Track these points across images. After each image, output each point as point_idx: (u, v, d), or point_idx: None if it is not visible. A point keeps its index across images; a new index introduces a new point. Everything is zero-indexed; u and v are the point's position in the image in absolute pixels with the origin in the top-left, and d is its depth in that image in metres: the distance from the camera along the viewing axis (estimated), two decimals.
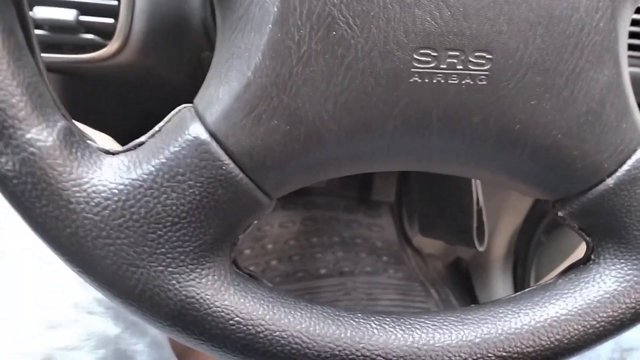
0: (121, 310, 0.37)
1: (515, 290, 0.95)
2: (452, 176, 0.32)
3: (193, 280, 0.25)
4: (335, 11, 0.23)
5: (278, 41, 0.23)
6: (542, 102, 0.25)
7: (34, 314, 0.35)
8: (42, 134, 0.22)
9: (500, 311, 0.28)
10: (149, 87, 0.51)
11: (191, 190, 0.24)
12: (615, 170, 0.27)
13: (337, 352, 0.26)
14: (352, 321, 0.27)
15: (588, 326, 0.28)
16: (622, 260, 0.28)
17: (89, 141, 0.25)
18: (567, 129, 0.26)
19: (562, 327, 0.27)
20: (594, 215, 0.28)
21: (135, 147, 0.25)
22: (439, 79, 0.24)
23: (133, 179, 0.24)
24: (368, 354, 0.26)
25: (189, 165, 0.24)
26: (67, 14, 0.40)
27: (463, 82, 0.25)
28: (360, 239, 0.97)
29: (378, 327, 0.27)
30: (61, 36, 0.42)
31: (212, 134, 0.24)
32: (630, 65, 0.42)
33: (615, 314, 0.28)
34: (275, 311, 0.26)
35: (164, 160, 0.24)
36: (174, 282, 0.25)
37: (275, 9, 0.23)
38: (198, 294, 0.25)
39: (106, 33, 0.42)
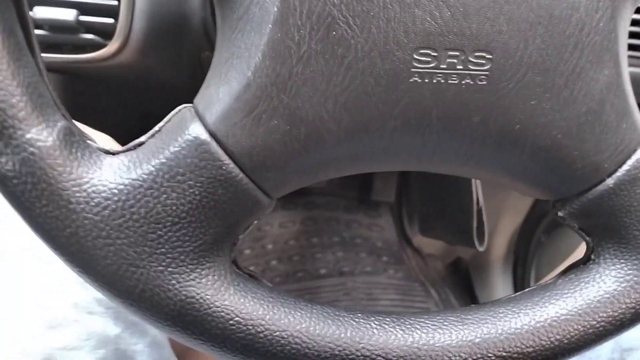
0: (121, 310, 0.37)
1: (515, 291, 0.95)
2: (452, 176, 0.32)
3: (193, 280, 0.25)
4: (335, 11, 0.23)
5: (278, 41, 0.23)
6: (542, 102, 0.25)
7: (34, 314, 0.35)
8: (42, 134, 0.22)
9: (500, 311, 0.28)
10: (148, 87, 0.51)
11: (191, 190, 0.24)
12: (615, 170, 0.27)
13: (337, 352, 0.26)
14: (352, 321, 0.27)
15: (588, 326, 0.28)
16: (622, 260, 0.28)
17: (89, 141, 0.25)
18: (567, 129, 0.26)
19: (562, 327, 0.27)
20: (594, 215, 0.28)
21: (135, 147, 0.25)
22: (439, 79, 0.24)
23: (133, 179, 0.24)
24: (368, 354, 0.26)
25: (189, 165, 0.24)
26: (67, 14, 0.40)
27: (463, 82, 0.25)
28: (360, 239, 0.97)
29: (378, 327, 0.27)
30: (61, 36, 0.42)
31: (212, 134, 0.24)
32: (630, 65, 0.42)
33: (615, 314, 0.28)
34: (275, 311, 0.26)
35: (164, 160, 0.24)
36: (174, 282, 0.25)
37: (275, 9, 0.23)
38: (198, 294, 0.25)
39: (106, 33, 0.42)
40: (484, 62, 0.24)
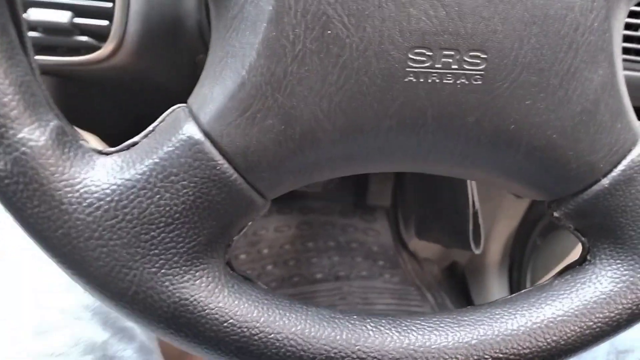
0: (109, 315, 0.37)
1: (511, 294, 0.95)
2: (447, 178, 0.32)
3: (187, 281, 0.25)
4: (330, 10, 0.23)
5: (273, 40, 0.23)
6: (537, 102, 0.25)
7: (21, 319, 0.34)
8: (34, 134, 0.22)
9: (497, 312, 0.28)
10: (143, 89, 0.50)
11: (185, 191, 0.24)
12: (610, 171, 0.27)
13: (332, 355, 0.26)
14: (347, 323, 0.27)
15: (584, 327, 0.27)
16: (617, 261, 0.28)
17: (81, 141, 0.24)
18: (562, 128, 0.26)
19: (558, 328, 0.27)
20: (590, 215, 0.28)
21: (128, 147, 0.24)
22: (434, 78, 0.24)
23: (126, 179, 0.23)
24: (364, 356, 0.26)
25: (182, 165, 0.24)
26: (62, 16, 0.40)
27: (458, 81, 0.25)
28: (356, 244, 0.97)
29: (374, 329, 0.27)
30: (55, 38, 0.41)
31: (206, 134, 0.24)
32: (625, 69, 0.42)
33: (612, 314, 0.28)
34: (270, 313, 0.26)
35: (158, 160, 0.24)
36: (167, 283, 0.24)
37: (270, 8, 0.23)
38: (192, 295, 0.25)
39: (101, 35, 0.42)
40: (479, 61, 0.24)
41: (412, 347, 0.27)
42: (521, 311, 0.28)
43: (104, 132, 0.42)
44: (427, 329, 0.27)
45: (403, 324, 0.27)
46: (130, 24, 0.41)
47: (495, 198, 0.89)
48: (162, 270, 0.24)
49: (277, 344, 0.25)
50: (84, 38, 0.42)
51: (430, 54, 0.24)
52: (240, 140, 0.24)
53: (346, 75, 0.24)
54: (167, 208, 0.24)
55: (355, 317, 0.27)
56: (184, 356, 0.49)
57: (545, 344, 0.27)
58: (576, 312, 0.28)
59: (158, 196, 0.24)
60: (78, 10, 0.41)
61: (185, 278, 0.25)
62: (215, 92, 0.24)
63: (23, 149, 0.22)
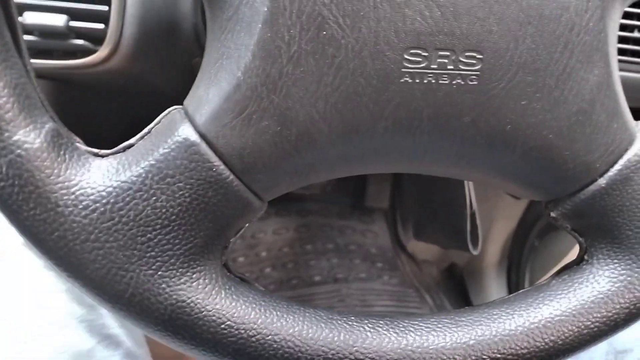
0: (95, 322, 0.37)
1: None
2: (445, 179, 0.32)
3: (183, 284, 0.25)
4: (325, 11, 0.23)
5: (268, 41, 0.23)
6: (533, 102, 0.25)
7: (15, 325, 0.34)
8: (29, 136, 0.22)
9: (494, 313, 0.28)
10: (139, 92, 0.50)
11: (181, 193, 0.24)
12: (606, 170, 0.27)
13: (330, 356, 0.26)
14: (345, 324, 0.27)
15: (582, 327, 0.27)
16: (615, 261, 0.28)
17: (77, 143, 0.24)
18: (558, 129, 0.26)
19: (556, 328, 0.27)
20: (587, 215, 0.28)
21: (124, 149, 0.24)
22: (429, 79, 0.24)
23: (122, 181, 0.23)
24: (362, 357, 0.26)
25: (178, 167, 0.23)
26: (57, 20, 0.40)
27: (454, 82, 0.25)
28: (354, 246, 0.97)
29: (371, 330, 0.27)
30: (51, 42, 0.41)
31: (202, 135, 0.24)
32: (622, 70, 0.42)
33: (610, 314, 0.28)
34: (267, 315, 0.26)
35: (153, 162, 0.24)
36: (164, 285, 0.24)
37: (265, 9, 0.23)
38: (189, 297, 0.25)
39: (97, 39, 0.42)
40: (474, 62, 0.25)
41: (409, 347, 0.26)
42: (519, 311, 0.28)
43: (100, 134, 0.42)
44: (425, 329, 0.27)
45: (401, 325, 0.27)
46: (126, 27, 0.41)
47: (492, 199, 0.89)
48: (159, 273, 0.24)
49: (275, 346, 0.25)
50: (79, 41, 0.42)
51: (425, 54, 0.24)
52: (236, 142, 0.24)
53: (342, 76, 0.24)
54: (163, 210, 0.24)
55: (353, 318, 0.27)
56: (179, 358, 0.48)
57: (543, 344, 0.27)
58: (574, 312, 0.28)
59: (154, 198, 0.24)
60: (74, 14, 0.41)
61: (182, 280, 0.25)
62: (210, 93, 0.24)
63: (18, 151, 0.22)
